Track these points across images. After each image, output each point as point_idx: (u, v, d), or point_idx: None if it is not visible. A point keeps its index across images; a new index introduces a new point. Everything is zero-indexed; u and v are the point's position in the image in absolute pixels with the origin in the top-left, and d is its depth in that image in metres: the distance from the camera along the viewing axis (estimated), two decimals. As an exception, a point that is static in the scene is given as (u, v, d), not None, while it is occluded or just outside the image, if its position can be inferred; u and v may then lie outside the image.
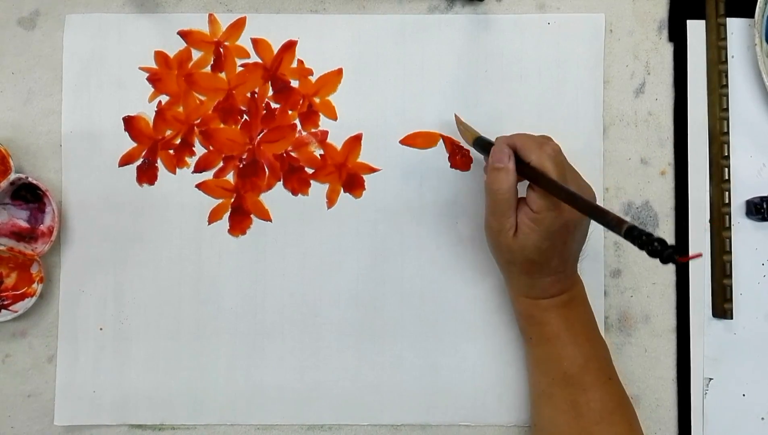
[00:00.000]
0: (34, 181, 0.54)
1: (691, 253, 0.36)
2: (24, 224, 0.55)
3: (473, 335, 0.56)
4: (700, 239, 0.56)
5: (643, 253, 0.55)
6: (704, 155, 0.57)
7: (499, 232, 0.48)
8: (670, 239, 0.56)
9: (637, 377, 0.56)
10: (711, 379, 0.56)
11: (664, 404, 0.56)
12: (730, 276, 0.55)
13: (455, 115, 0.55)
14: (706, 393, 0.56)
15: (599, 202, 0.56)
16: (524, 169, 0.47)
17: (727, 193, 0.56)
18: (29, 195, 0.55)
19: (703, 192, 0.56)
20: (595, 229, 0.56)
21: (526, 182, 0.48)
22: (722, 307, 0.55)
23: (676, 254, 0.36)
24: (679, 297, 0.56)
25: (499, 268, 0.52)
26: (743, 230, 0.56)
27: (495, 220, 0.48)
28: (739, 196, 0.56)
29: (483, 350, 0.56)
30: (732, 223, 0.56)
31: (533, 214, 0.46)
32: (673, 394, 0.56)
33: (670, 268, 0.56)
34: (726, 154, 0.56)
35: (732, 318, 0.55)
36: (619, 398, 0.50)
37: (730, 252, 0.56)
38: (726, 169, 0.56)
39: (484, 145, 0.51)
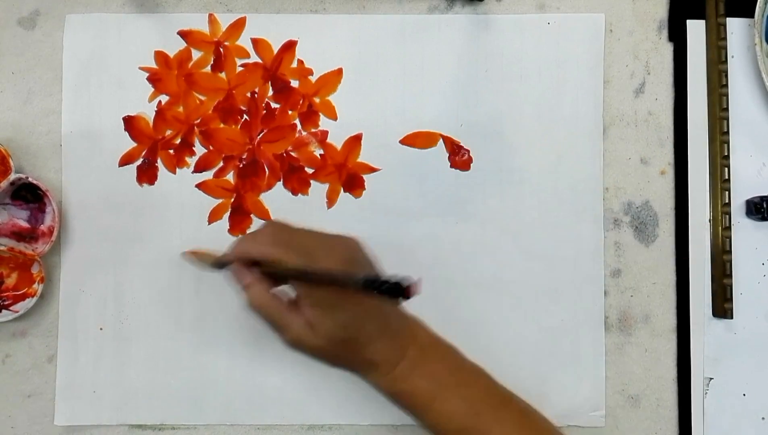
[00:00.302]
0: (35, 181, 0.54)
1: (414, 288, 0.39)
2: (24, 224, 0.55)
3: (473, 335, 0.55)
4: (700, 239, 0.56)
5: (644, 253, 0.56)
6: (704, 155, 0.57)
7: (297, 341, 0.44)
8: (670, 239, 0.56)
9: (638, 377, 0.56)
10: (711, 378, 0.56)
11: (664, 404, 0.56)
12: (730, 276, 0.55)
13: (187, 254, 0.52)
14: (706, 393, 0.56)
15: (599, 203, 0.56)
16: (265, 270, 0.45)
17: (727, 192, 0.56)
18: (29, 195, 0.55)
19: (703, 192, 0.56)
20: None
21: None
22: (722, 307, 0.55)
23: (402, 289, 0.38)
24: (680, 297, 0.56)
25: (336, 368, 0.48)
26: (743, 230, 0.56)
27: (284, 333, 0.44)
28: (739, 196, 0.56)
29: (482, 350, 0.55)
30: (732, 223, 0.56)
31: (311, 321, 0.43)
32: (674, 393, 0.56)
33: (670, 267, 0.56)
34: (726, 153, 0.56)
35: (732, 318, 0.55)
36: (520, 421, 0.46)
37: (730, 252, 0.56)
38: (726, 169, 0.56)
39: (222, 264, 0.47)
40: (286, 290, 0.45)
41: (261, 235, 0.45)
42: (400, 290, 0.38)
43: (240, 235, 0.47)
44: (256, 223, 0.56)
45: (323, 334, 0.43)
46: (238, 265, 0.45)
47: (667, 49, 0.57)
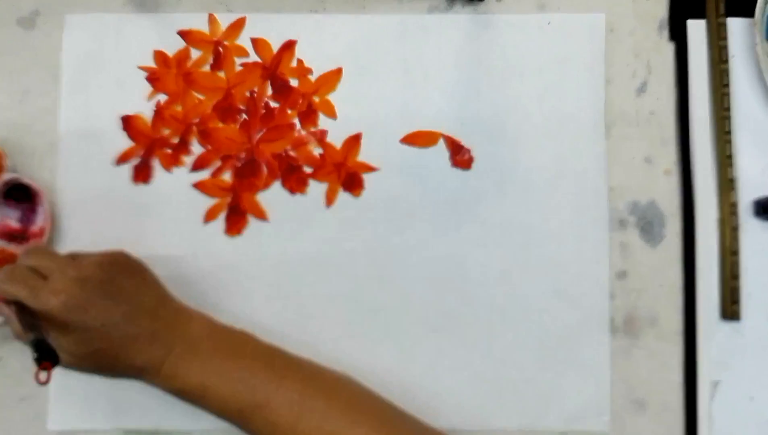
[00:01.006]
0: (26, 182, 0.53)
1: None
2: (15, 225, 0.55)
3: (473, 336, 0.55)
4: (707, 240, 0.55)
5: (651, 255, 0.55)
6: (708, 154, 0.56)
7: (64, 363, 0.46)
8: (677, 240, 0.55)
9: (644, 380, 0.54)
10: (719, 382, 0.54)
11: (670, 408, 0.54)
12: (738, 277, 0.55)
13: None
14: (713, 396, 0.54)
15: (604, 203, 0.55)
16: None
17: (733, 192, 0.55)
18: (21, 195, 0.54)
19: (709, 191, 0.56)
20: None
21: None
22: (730, 309, 0.54)
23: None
24: (687, 299, 0.55)
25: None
26: (751, 230, 0.56)
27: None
28: (746, 196, 0.56)
29: (482, 351, 0.55)
30: (740, 224, 0.55)
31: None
32: (680, 397, 0.54)
33: (677, 268, 0.55)
34: (729, 153, 0.55)
35: (740, 320, 0.54)
36: (302, 385, 0.47)
37: (738, 253, 0.55)
38: (731, 169, 0.55)
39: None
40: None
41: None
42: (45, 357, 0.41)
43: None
44: (253, 223, 0.55)
45: (70, 353, 0.46)
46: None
47: (668, 49, 0.57)
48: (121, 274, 0.48)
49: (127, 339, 0.46)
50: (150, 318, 0.47)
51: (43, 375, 0.42)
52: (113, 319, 0.46)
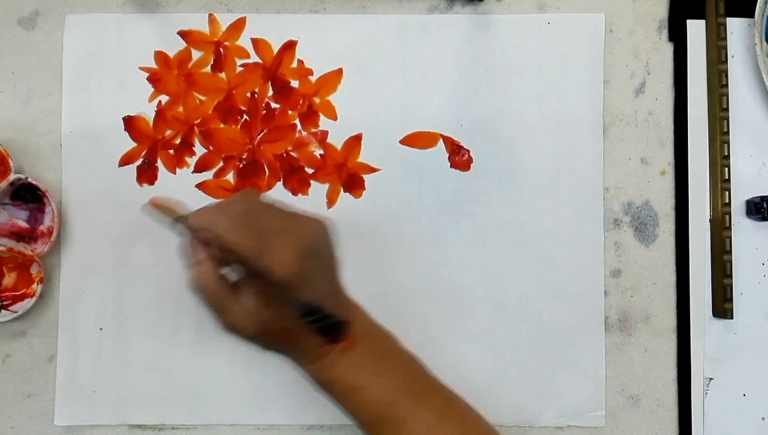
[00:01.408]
0: (34, 182, 0.54)
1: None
2: (24, 225, 0.55)
3: (473, 335, 0.56)
4: (700, 239, 0.56)
5: (644, 253, 0.56)
6: (704, 155, 0.57)
7: (235, 325, 0.43)
8: (671, 239, 0.56)
9: (638, 377, 0.56)
10: (711, 379, 0.56)
11: (664, 404, 0.56)
12: (730, 276, 0.55)
13: (150, 204, 0.47)
14: (706, 393, 0.56)
15: (599, 203, 0.56)
16: (217, 248, 0.42)
17: (727, 192, 0.56)
18: (29, 195, 0.55)
19: (703, 192, 0.56)
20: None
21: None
22: (722, 307, 0.55)
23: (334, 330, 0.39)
24: (680, 297, 0.56)
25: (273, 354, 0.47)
26: (743, 230, 0.56)
27: (221, 317, 0.43)
28: (739, 196, 0.56)
29: (482, 350, 0.56)
30: (732, 223, 0.56)
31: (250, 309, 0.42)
32: (674, 394, 0.56)
33: (671, 267, 0.56)
34: (726, 153, 0.56)
35: (732, 318, 0.55)
36: (441, 410, 0.46)
37: (730, 252, 0.55)
38: (726, 169, 0.56)
39: (181, 229, 0.45)
40: (229, 272, 0.44)
41: (227, 212, 0.42)
42: (332, 331, 0.38)
43: (208, 204, 0.44)
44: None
45: (260, 323, 0.42)
46: (193, 240, 0.43)
47: (668, 49, 0.57)
48: (326, 251, 0.45)
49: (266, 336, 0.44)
50: (332, 302, 0.44)
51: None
52: (311, 296, 0.43)
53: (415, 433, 0.44)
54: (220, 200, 0.45)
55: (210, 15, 0.56)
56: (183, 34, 0.56)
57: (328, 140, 0.56)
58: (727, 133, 0.56)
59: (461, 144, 0.56)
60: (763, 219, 0.55)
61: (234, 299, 0.42)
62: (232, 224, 0.41)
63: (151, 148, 0.56)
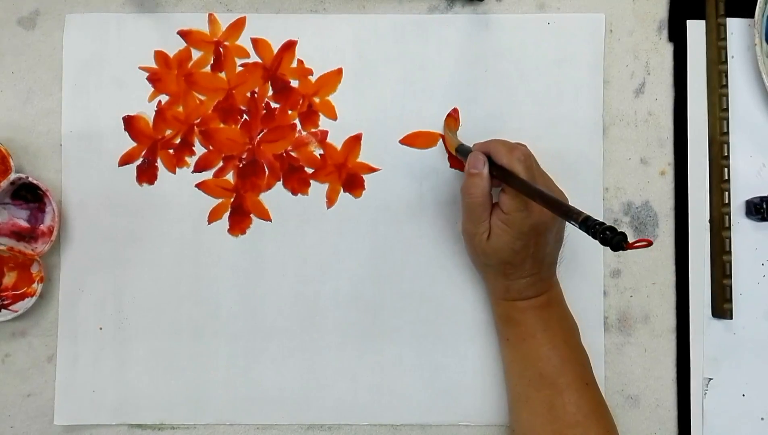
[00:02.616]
0: (35, 181, 0.54)
1: (638, 241, 0.37)
2: (24, 224, 0.55)
3: (473, 335, 0.56)
4: (700, 239, 0.56)
5: (644, 253, 0.56)
6: (704, 155, 0.57)
7: (474, 235, 0.50)
8: (670, 239, 0.56)
9: (637, 377, 0.56)
10: (711, 379, 0.56)
11: (663, 404, 0.56)
12: (729, 276, 0.55)
13: (445, 120, 0.55)
14: (705, 393, 0.56)
15: (599, 203, 0.56)
16: (497, 172, 0.49)
17: (726, 193, 0.56)
18: (29, 195, 0.55)
19: (703, 192, 0.56)
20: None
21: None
22: (722, 307, 0.55)
23: (624, 242, 0.37)
24: (679, 297, 0.56)
25: (478, 271, 0.54)
26: (743, 230, 0.56)
27: (471, 224, 0.50)
28: (739, 196, 0.56)
29: (483, 350, 0.56)
30: (732, 223, 0.56)
31: (504, 216, 0.48)
32: (673, 394, 0.56)
33: (670, 267, 0.56)
34: (726, 154, 0.56)
35: (732, 318, 0.55)
36: (596, 403, 0.50)
37: (730, 252, 0.56)
38: (726, 169, 0.56)
39: (464, 152, 0.52)
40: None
41: (518, 151, 0.49)
42: (615, 240, 0.37)
43: (497, 140, 0.51)
44: (256, 223, 0.56)
45: (500, 245, 0.48)
46: (478, 153, 0.50)
47: (667, 49, 0.57)
48: (561, 224, 0.51)
49: (537, 265, 0.50)
50: (553, 259, 0.51)
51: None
52: (548, 249, 0.50)
53: (565, 410, 0.48)
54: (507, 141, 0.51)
55: (210, 15, 0.56)
56: (183, 34, 0.56)
57: (328, 140, 0.56)
58: (727, 133, 0.56)
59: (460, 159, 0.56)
60: (763, 219, 0.55)
61: (487, 215, 0.49)
62: (519, 158, 0.48)
63: (150, 148, 0.56)
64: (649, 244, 0.37)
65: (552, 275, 0.52)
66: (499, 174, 0.48)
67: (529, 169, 0.48)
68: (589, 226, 0.38)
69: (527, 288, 0.50)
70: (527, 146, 0.50)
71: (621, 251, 0.38)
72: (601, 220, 0.55)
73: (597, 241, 0.37)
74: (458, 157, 0.54)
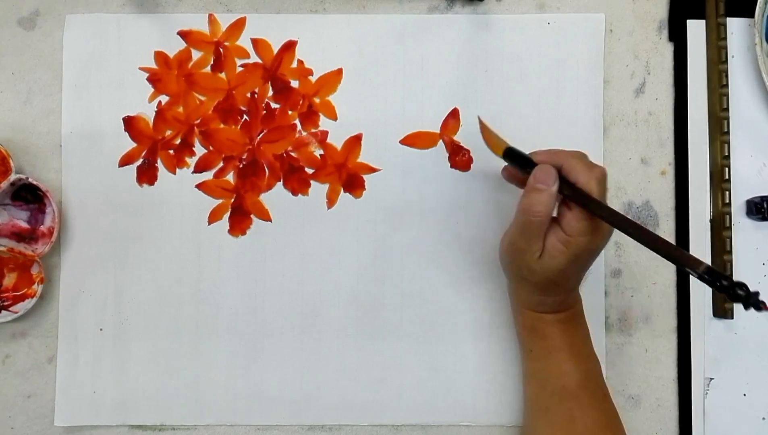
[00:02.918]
0: (35, 182, 0.54)
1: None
2: (24, 225, 0.55)
3: (473, 335, 0.56)
4: (700, 239, 0.56)
5: (644, 253, 0.56)
6: (704, 155, 0.57)
7: (525, 252, 0.46)
8: (671, 239, 0.56)
9: (638, 377, 0.56)
10: (712, 379, 0.56)
11: (664, 404, 0.56)
12: (730, 276, 0.55)
13: (479, 121, 0.51)
14: (706, 393, 0.55)
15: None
16: (568, 192, 0.45)
17: (727, 192, 0.56)
18: (29, 195, 0.55)
19: (703, 192, 0.56)
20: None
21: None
22: (723, 307, 0.55)
23: (761, 303, 0.36)
24: (680, 297, 0.56)
25: (509, 280, 0.51)
26: (743, 230, 0.56)
27: (523, 241, 0.46)
28: (739, 196, 0.56)
29: (483, 350, 0.56)
30: (732, 223, 0.56)
31: (565, 237, 0.45)
32: (674, 394, 0.56)
33: (670, 267, 0.56)
34: (726, 153, 0.56)
35: (733, 318, 0.55)
36: (612, 416, 0.50)
37: (730, 252, 0.55)
38: (726, 169, 0.56)
39: (516, 158, 0.48)
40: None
41: (597, 170, 0.45)
42: (751, 301, 0.37)
43: (572, 152, 0.47)
44: (256, 224, 0.56)
45: (552, 267, 0.45)
46: (549, 167, 0.45)
47: (668, 49, 0.57)
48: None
49: (573, 282, 0.48)
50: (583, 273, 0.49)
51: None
52: (586, 264, 0.47)
53: (585, 423, 0.48)
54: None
55: (210, 15, 0.56)
56: (183, 35, 0.56)
57: (328, 140, 0.56)
58: (727, 133, 0.56)
59: (461, 144, 0.56)
60: (763, 219, 0.55)
61: (545, 235, 0.45)
62: (598, 179, 0.45)
63: (151, 149, 0.56)
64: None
65: (577, 288, 0.50)
66: (572, 194, 0.44)
67: (603, 193, 0.45)
68: (714, 280, 0.37)
69: (560, 303, 0.49)
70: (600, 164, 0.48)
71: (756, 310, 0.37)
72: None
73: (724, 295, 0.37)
74: (506, 161, 0.49)
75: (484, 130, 0.50)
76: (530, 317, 0.50)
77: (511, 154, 0.48)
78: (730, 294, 0.37)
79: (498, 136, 0.50)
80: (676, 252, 0.40)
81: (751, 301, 0.36)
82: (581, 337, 0.50)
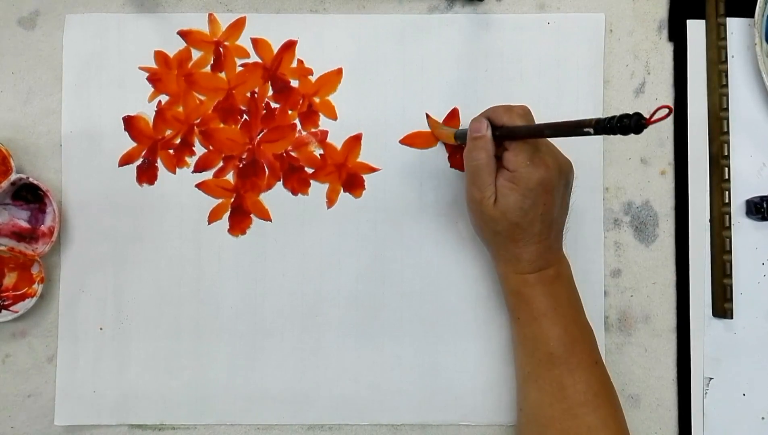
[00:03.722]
0: (35, 182, 0.54)
1: (656, 111, 0.37)
2: (25, 225, 0.55)
3: (473, 335, 0.56)
4: (700, 239, 0.56)
5: (644, 253, 0.56)
6: (704, 155, 0.57)
7: (480, 200, 0.49)
8: (670, 239, 0.56)
9: (638, 377, 0.56)
10: (711, 378, 0.56)
11: (664, 404, 0.56)
12: (730, 276, 0.55)
13: (427, 117, 0.55)
14: (706, 393, 0.56)
15: (599, 203, 0.56)
16: (500, 132, 0.48)
17: (727, 192, 0.56)
18: (30, 195, 0.55)
19: (703, 192, 0.56)
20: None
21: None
22: (722, 307, 0.55)
23: (642, 120, 0.37)
24: (679, 297, 0.56)
25: (486, 243, 0.53)
26: (743, 230, 0.56)
27: (476, 189, 0.49)
28: (739, 196, 0.56)
29: (483, 350, 0.56)
30: (732, 223, 0.56)
31: (510, 174, 0.47)
32: (674, 393, 0.56)
33: (671, 267, 0.56)
34: (726, 153, 0.56)
35: (732, 318, 0.55)
36: (604, 382, 0.50)
37: (730, 252, 0.56)
38: (726, 169, 0.56)
39: (463, 135, 0.51)
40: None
41: (517, 108, 0.49)
42: (634, 124, 0.37)
43: (493, 106, 0.50)
44: (256, 223, 0.56)
45: (508, 206, 0.48)
46: (480, 117, 0.49)
47: (667, 49, 0.57)
48: (568, 189, 0.51)
49: (539, 236, 0.49)
50: (558, 233, 0.51)
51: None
52: (553, 218, 0.49)
53: (575, 388, 0.48)
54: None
55: (210, 15, 0.56)
56: (183, 34, 0.56)
57: (328, 140, 0.56)
58: (727, 133, 0.56)
59: (461, 144, 0.56)
60: (763, 219, 0.55)
61: (491, 179, 0.48)
62: (519, 114, 0.49)
63: (151, 148, 0.56)
64: (670, 110, 0.36)
65: (560, 247, 0.51)
66: (503, 132, 0.48)
67: (530, 123, 0.49)
68: (605, 125, 0.38)
69: (537, 257, 0.49)
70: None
71: (644, 130, 0.37)
72: (602, 219, 0.55)
73: (619, 135, 0.37)
74: (458, 142, 0.54)
75: (434, 125, 0.55)
76: (514, 281, 0.51)
77: (460, 136, 0.53)
78: (619, 127, 0.37)
79: (444, 127, 0.55)
80: (569, 123, 0.42)
81: (634, 124, 0.37)
82: (567, 300, 0.51)
